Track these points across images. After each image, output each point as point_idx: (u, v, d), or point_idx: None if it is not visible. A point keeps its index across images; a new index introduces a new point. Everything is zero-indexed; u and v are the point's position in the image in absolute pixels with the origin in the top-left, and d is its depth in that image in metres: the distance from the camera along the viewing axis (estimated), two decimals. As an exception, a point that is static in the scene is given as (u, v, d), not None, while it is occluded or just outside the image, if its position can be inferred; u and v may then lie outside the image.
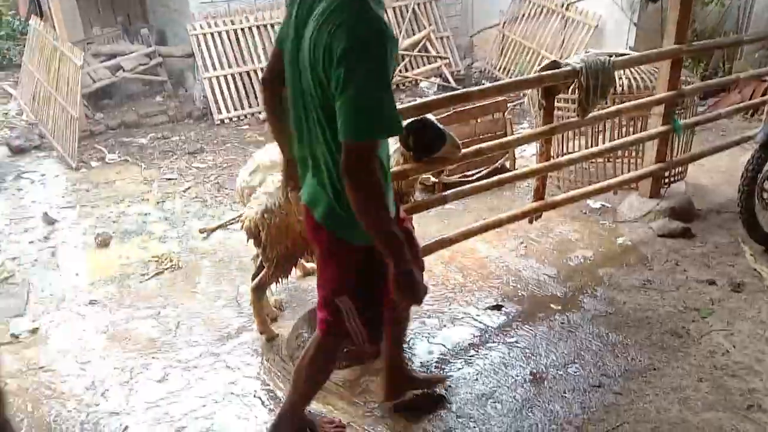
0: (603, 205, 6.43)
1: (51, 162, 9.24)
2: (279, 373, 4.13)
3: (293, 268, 4.35)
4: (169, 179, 8.28)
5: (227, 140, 9.77)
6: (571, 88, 4.88)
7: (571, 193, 5.33)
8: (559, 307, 4.69)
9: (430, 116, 4.00)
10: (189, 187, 7.93)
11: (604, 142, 6.81)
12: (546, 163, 4.97)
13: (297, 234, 4.09)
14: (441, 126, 3.88)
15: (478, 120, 7.25)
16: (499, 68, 12.22)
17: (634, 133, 6.54)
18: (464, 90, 4.13)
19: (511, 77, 11.87)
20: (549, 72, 4.61)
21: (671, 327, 4.38)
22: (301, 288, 5.15)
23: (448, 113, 6.07)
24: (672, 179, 6.26)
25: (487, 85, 4.29)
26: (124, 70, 11.12)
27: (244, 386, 4.04)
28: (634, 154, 6.34)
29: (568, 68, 4.64)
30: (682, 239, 5.59)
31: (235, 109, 10.45)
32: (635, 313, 4.56)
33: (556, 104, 4.93)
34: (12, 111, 11.90)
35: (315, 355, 3.02)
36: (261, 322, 4.43)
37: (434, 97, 4.00)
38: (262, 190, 4.15)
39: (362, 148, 2.35)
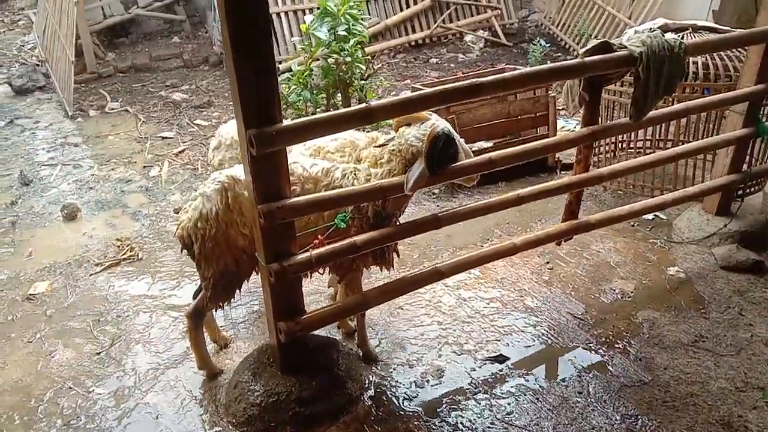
0: (657, 217, 5.24)
1: (50, 107, 8.53)
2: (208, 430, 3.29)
3: (238, 292, 3.44)
4: (165, 138, 7.43)
5: (240, 93, 8.78)
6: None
7: (614, 212, 4.17)
8: (579, 367, 3.66)
9: (442, 123, 2.98)
10: (183, 150, 7.07)
11: (662, 132, 5.59)
12: (583, 176, 3.83)
13: (240, 250, 3.18)
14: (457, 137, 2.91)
15: (517, 97, 6.06)
16: (558, 24, 10.72)
17: (703, 128, 5.30)
18: (474, 81, 3.00)
19: (570, 36, 10.38)
20: (596, 57, 3.42)
21: (723, 414, 3.30)
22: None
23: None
24: (746, 192, 4.99)
25: (508, 74, 3.13)
26: (138, 6, 10.21)
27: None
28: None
29: (623, 53, 3.44)
30: (752, 276, 4.40)
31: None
32: (678, 386, 3.49)
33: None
34: (29, 44, 11.19)
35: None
36: (200, 357, 3.58)
37: (425, 90, 2.87)
38: (200, 190, 3.22)
39: None
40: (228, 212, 3.06)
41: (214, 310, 3.54)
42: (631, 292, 4.31)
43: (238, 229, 3.08)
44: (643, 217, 5.16)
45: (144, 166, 6.66)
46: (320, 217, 3.13)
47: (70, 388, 3.59)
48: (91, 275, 4.69)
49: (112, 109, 8.36)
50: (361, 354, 3.73)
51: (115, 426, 3.31)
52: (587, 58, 3.39)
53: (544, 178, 6.25)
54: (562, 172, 6.16)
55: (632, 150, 5.98)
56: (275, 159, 2.75)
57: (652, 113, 3.64)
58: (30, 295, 4.47)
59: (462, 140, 3.13)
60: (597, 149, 5.69)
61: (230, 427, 3.28)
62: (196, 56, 10.02)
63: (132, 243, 5.07)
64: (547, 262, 4.69)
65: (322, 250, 3.03)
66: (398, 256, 3.50)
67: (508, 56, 10.42)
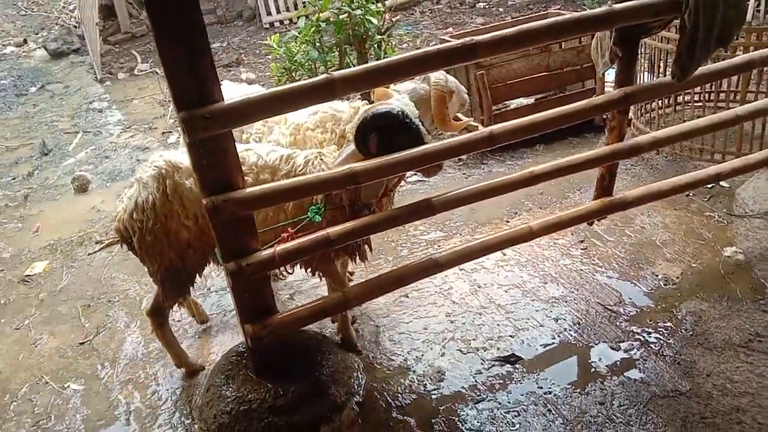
0: (717, 185, 4.51)
1: (81, 71, 8.40)
2: (179, 437, 3.01)
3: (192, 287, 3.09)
4: (188, 101, 7.13)
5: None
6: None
7: (657, 186, 3.51)
8: (604, 372, 3.13)
9: (401, 103, 2.47)
10: (205, 114, 6.74)
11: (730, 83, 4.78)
12: (616, 147, 3.21)
13: (184, 245, 2.82)
14: (418, 122, 2.37)
15: (562, 46, 5.34)
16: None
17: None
18: (468, 41, 2.43)
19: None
20: (628, 4, 2.76)
21: (778, 438, 2.72)
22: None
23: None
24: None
25: (511, 30, 2.54)
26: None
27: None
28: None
29: (664, -2, 2.77)
30: (829, 259, 3.69)
31: (287, 9, 8.91)
32: (722, 398, 2.91)
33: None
34: (71, 5, 11.08)
35: None
36: (174, 355, 3.29)
37: (398, 57, 2.35)
38: (137, 174, 2.86)
39: None
40: (167, 202, 2.70)
41: (174, 306, 3.21)
42: (677, 278, 3.70)
43: (180, 221, 2.72)
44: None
45: (163, 133, 6.40)
46: (281, 210, 2.70)
47: (47, 383, 3.40)
48: (89, 254, 4.50)
49: (141, 70, 8.13)
50: (339, 340, 3.35)
51: (82, 429, 3.09)
52: (616, 6, 2.74)
53: (590, 139, 5.57)
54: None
55: (699, 103, 5.18)
56: (218, 145, 2.32)
57: (702, 69, 2.95)
58: (26, 276, 4.32)
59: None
60: (659, 103, 4.94)
61: (201, 433, 2.99)
62: (230, 11, 9.63)
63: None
64: (582, 241, 4.11)
65: (287, 245, 2.61)
66: (370, 250, 3.06)
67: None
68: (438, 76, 2.83)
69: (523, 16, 7.19)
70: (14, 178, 5.76)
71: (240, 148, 2.42)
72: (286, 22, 9.03)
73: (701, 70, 2.95)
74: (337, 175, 2.48)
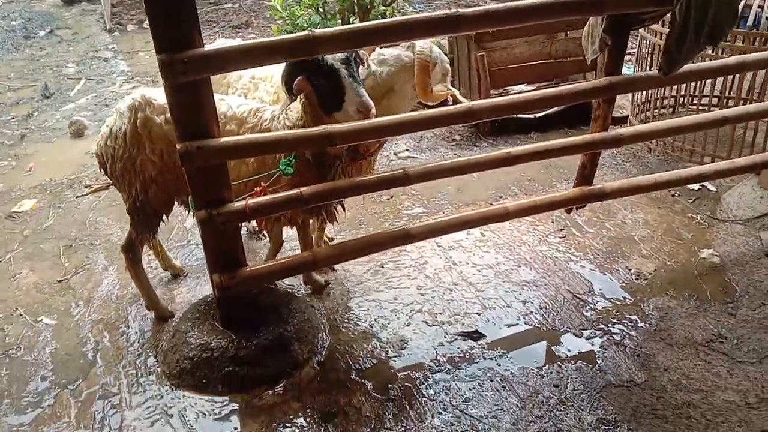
0: (704, 188, 4.53)
1: (91, 19, 8.40)
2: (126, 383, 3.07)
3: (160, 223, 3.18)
4: (193, 58, 7.13)
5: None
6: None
7: (637, 181, 3.54)
8: (563, 356, 3.18)
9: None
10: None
11: (732, 86, 4.76)
12: (596, 136, 3.23)
13: (148, 178, 2.90)
14: (345, 72, 2.41)
15: (567, 34, 5.32)
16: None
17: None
18: (452, 12, 2.44)
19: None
20: (621, -8, 2.77)
21: (723, 437, 2.77)
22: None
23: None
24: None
25: (499, 6, 2.56)
26: None
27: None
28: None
29: (657, -11, 2.77)
30: (802, 270, 3.71)
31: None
32: (676, 392, 2.96)
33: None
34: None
35: None
36: (146, 296, 3.35)
37: (374, 23, 2.37)
38: (119, 104, 2.96)
39: None
40: (136, 134, 2.82)
41: (146, 243, 3.27)
42: (649, 274, 3.73)
43: (146, 155, 2.81)
44: (689, 186, 4.47)
45: (165, 87, 6.42)
46: (243, 163, 2.75)
47: (21, 315, 3.47)
48: (77, 197, 4.55)
49: (151, 24, 8.12)
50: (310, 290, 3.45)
51: (49, 361, 3.16)
52: (608, -9, 2.74)
53: (586, 131, 5.54)
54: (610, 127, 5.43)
55: (704, 106, 5.18)
56: (197, 91, 2.35)
57: (690, 66, 2.96)
58: (14, 212, 4.38)
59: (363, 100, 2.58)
60: (657, 103, 4.93)
61: (163, 377, 3.06)
62: (245, -30, 9.56)
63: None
64: (561, 230, 4.15)
65: (260, 200, 2.66)
66: (344, 209, 3.10)
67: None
68: (422, 45, 2.85)
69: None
70: (13, 118, 5.81)
71: (215, 99, 2.45)
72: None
73: (689, 67, 2.95)
74: (313, 134, 2.52)
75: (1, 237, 4.13)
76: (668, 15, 2.89)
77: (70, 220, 4.28)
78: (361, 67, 2.74)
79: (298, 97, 2.63)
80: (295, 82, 2.51)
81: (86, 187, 4.65)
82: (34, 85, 6.45)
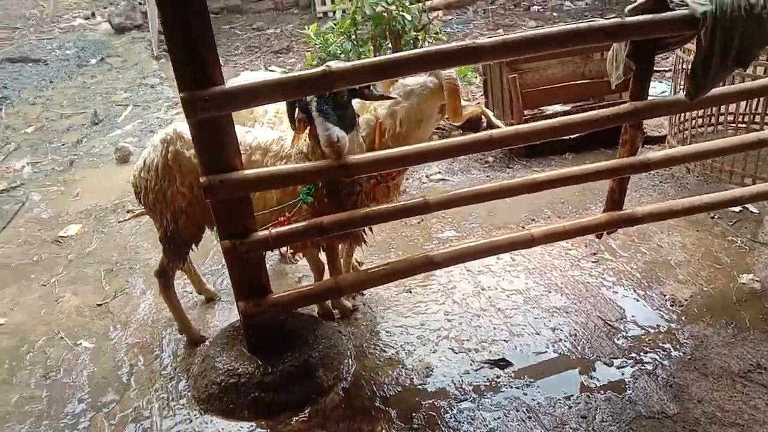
0: (745, 209, 4.38)
1: (140, 47, 8.75)
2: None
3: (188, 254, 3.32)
4: (234, 83, 7.35)
5: (321, 39, 8.52)
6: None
7: (670, 205, 3.45)
8: (593, 386, 3.12)
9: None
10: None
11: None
12: (622, 161, 3.18)
13: (178, 209, 3.02)
14: (330, 112, 2.47)
15: (603, 54, 5.25)
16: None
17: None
18: (469, 44, 2.46)
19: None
20: (640, 18, 2.73)
21: (761, 473, 2.66)
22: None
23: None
24: None
25: (514, 36, 2.57)
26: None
27: None
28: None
29: (681, 12, 2.72)
30: None
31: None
32: (710, 425, 2.86)
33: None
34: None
35: None
36: (178, 319, 3.46)
37: (395, 56, 2.41)
38: (154, 136, 3.10)
39: None
40: (167, 167, 2.94)
41: (178, 269, 3.39)
42: (685, 300, 3.62)
43: (176, 187, 2.93)
44: (730, 208, 4.33)
45: (206, 112, 6.62)
46: (267, 193, 2.85)
47: (62, 338, 3.62)
48: (119, 222, 4.73)
49: (195, 50, 8.41)
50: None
51: (86, 384, 3.29)
52: (628, 19, 2.71)
53: (623, 151, 5.46)
54: (645, 146, 5.33)
55: (744, 124, 5.03)
56: (218, 127, 2.44)
57: (716, 90, 2.89)
58: (60, 237, 4.59)
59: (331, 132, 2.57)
60: (694, 122, 4.82)
61: (193, 401, 3.14)
62: (287, -2, 9.83)
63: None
64: (594, 254, 4.07)
65: (281, 229, 2.72)
66: (372, 232, 3.14)
67: (625, 5, 9.22)
68: (449, 71, 2.89)
69: (576, 23, 7.07)
70: (64, 144, 6.10)
71: (241, 131, 2.54)
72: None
73: (716, 90, 2.88)
74: (329, 166, 2.57)
75: (48, 261, 4.33)
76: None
77: (112, 245, 4.46)
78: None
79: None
80: (296, 115, 2.61)
81: (128, 212, 4.83)
82: (85, 112, 6.76)
